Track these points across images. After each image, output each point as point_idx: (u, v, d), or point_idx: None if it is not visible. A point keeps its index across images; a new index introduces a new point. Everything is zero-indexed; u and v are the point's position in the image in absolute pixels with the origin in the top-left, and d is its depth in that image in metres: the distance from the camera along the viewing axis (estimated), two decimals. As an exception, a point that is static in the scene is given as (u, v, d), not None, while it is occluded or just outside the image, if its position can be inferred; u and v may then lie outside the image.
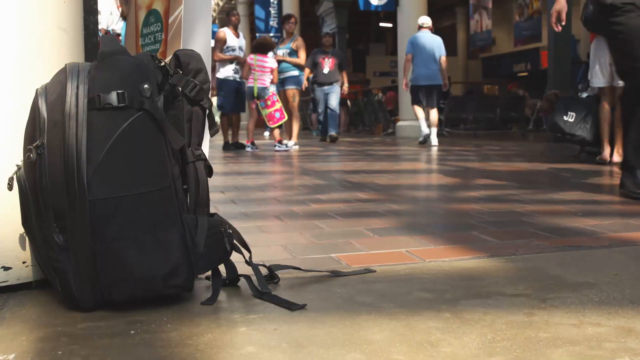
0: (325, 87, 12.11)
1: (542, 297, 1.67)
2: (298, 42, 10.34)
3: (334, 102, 12.10)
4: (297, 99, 10.36)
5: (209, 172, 1.79)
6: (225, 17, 10.83)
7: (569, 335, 1.38)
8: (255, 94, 9.50)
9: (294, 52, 10.30)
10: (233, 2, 24.86)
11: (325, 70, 12.07)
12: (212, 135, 1.89)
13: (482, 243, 2.39)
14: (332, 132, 11.92)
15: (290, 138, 10.45)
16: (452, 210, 3.27)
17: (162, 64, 1.72)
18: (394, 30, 16.40)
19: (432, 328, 1.44)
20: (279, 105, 9.66)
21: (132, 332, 1.45)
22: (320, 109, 12.47)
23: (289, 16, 10.94)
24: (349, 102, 18.81)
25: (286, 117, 9.89)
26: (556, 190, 4.10)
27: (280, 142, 9.77)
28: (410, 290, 1.76)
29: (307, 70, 11.76)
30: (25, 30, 1.81)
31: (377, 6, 15.61)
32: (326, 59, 12.12)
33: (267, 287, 1.73)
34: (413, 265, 2.06)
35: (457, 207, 3.41)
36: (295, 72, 10.31)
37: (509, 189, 4.21)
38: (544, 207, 3.28)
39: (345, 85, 12.57)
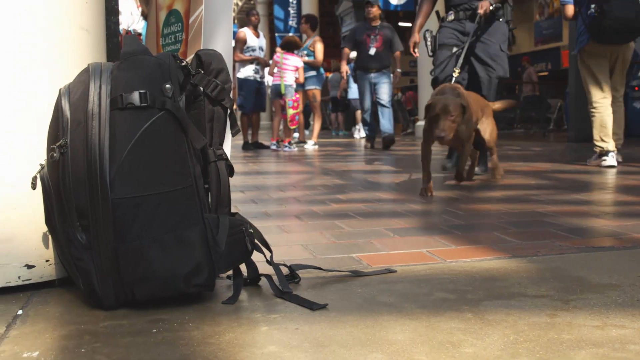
0: (372, 75, 9.53)
1: (564, 298, 1.66)
2: (315, 42, 10.36)
3: (385, 94, 9.53)
4: (317, 98, 10.37)
5: (230, 171, 1.79)
6: (244, 17, 10.86)
7: (593, 337, 1.37)
8: (283, 91, 9.56)
9: (311, 53, 10.32)
10: (252, 2, 24.93)
11: (372, 51, 9.43)
12: (233, 135, 1.89)
13: (503, 243, 2.37)
14: (387, 132, 9.50)
15: (310, 137, 10.49)
16: (473, 211, 3.25)
17: (184, 63, 1.73)
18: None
19: (454, 329, 1.44)
20: (300, 109, 9.77)
21: (154, 330, 1.46)
22: (366, 105, 9.69)
23: (301, 17, 11.05)
24: None
25: (297, 124, 10.06)
26: (578, 190, 4.06)
27: (289, 142, 9.82)
28: (432, 291, 1.75)
29: (345, 52, 9.95)
30: (48, 30, 1.82)
31: (396, 6, 15.60)
32: (372, 37, 9.50)
33: (288, 287, 1.73)
34: (434, 266, 2.05)
35: (477, 207, 3.40)
36: (313, 72, 10.33)
37: (530, 189, 4.18)
38: (565, 208, 3.25)
39: (398, 70, 9.78)
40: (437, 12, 5.52)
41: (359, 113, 14.14)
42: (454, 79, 4.69)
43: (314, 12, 18.06)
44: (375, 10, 9.54)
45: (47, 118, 1.70)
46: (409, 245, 2.40)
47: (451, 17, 5.34)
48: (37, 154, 1.76)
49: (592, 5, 5.41)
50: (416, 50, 5.65)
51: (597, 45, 5.68)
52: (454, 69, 4.82)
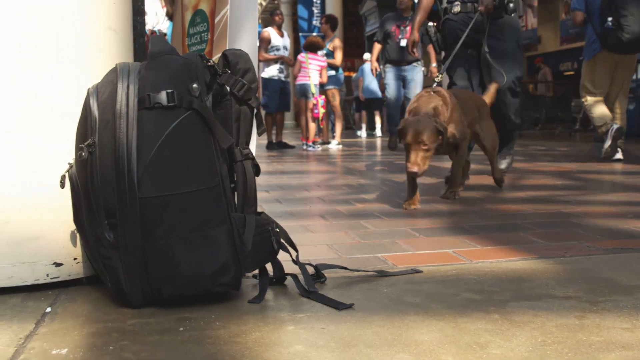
0: (404, 68, 8.72)
1: (593, 300, 1.64)
2: (335, 43, 10.42)
3: (414, 92, 8.34)
4: (337, 97, 10.42)
5: (257, 171, 1.79)
6: (268, 16, 10.89)
7: (622, 339, 1.36)
8: (314, 91, 9.62)
9: (331, 53, 10.35)
10: (276, 1, 24.96)
11: (403, 42, 8.53)
12: (259, 134, 1.89)
13: (530, 244, 2.36)
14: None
15: (333, 137, 10.51)
16: (499, 211, 3.23)
17: (211, 63, 1.73)
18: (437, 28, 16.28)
19: (481, 330, 1.43)
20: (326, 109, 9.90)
21: (181, 329, 1.46)
22: (390, 94, 8.89)
23: (322, 18, 11.13)
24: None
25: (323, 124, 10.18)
26: (605, 191, 4.02)
27: (314, 142, 9.85)
28: (458, 291, 1.74)
29: (377, 47, 9.19)
30: (76, 30, 1.84)
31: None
32: (402, 28, 8.69)
33: (314, 286, 1.73)
34: (460, 266, 2.04)
35: (503, 207, 3.37)
36: (332, 72, 10.39)
37: (557, 189, 4.15)
38: (593, 209, 3.22)
39: (433, 64, 9.14)
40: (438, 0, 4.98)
41: (364, 113, 15.93)
42: (434, 84, 3.85)
43: (338, 11, 18.06)
44: (407, 0, 8.83)
45: (75, 117, 1.72)
46: (435, 245, 2.39)
47: (457, 8, 4.71)
48: (66, 155, 1.77)
49: (609, 19, 5.84)
50: (415, 50, 5.30)
51: (607, 54, 6.20)
52: (438, 74, 4.05)
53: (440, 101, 3.44)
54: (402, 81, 8.88)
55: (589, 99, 6.38)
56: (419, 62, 8.78)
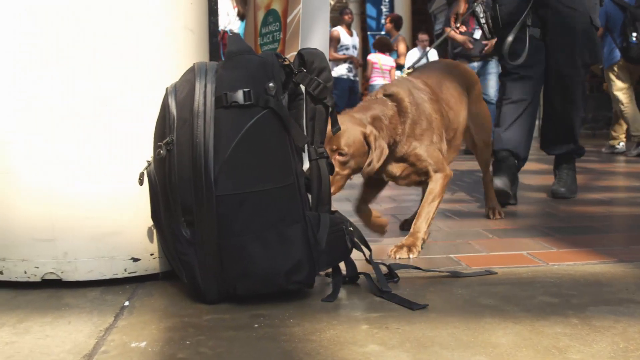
0: (476, 64, 7.52)
1: (677, 306, 1.59)
2: (400, 48, 10.44)
3: (491, 87, 7.38)
4: None
5: (331, 169, 1.80)
6: (337, 15, 10.93)
7: None
8: None
9: (394, 52, 10.35)
10: (345, 0, 24.98)
11: (476, 33, 7.31)
12: (334, 133, 1.90)
13: (607, 247, 2.29)
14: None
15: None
16: (573, 213, 3.15)
17: (286, 62, 1.74)
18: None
19: (559, 334, 1.40)
20: None
21: (256, 325, 1.48)
22: None
23: (386, 17, 11.16)
24: None
25: None
26: (686, 193, 3.88)
27: None
28: (534, 294, 1.71)
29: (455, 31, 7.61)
30: (157, 30, 1.87)
31: (491, 3, 15.29)
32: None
33: (387, 286, 1.72)
34: (535, 268, 2.00)
35: (578, 209, 3.29)
36: (398, 72, 10.39)
37: (634, 191, 4.02)
38: (673, 211, 3.11)
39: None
40: None
41: None
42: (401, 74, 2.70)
43: (407, 10, 17.90)
44: None
45: (154, 115, 1.75)
46: (509, 246, 2.35)
47: None
48: (142, 150, 1.81)
49: (634, 34, 6.59)
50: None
51: (624, 62, 7.05)
52: (407, 69, 2.81)
53: (388, 110, 2.30)
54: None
55: (628, 106, 7.23)
56: (494, 58, 7.34)
